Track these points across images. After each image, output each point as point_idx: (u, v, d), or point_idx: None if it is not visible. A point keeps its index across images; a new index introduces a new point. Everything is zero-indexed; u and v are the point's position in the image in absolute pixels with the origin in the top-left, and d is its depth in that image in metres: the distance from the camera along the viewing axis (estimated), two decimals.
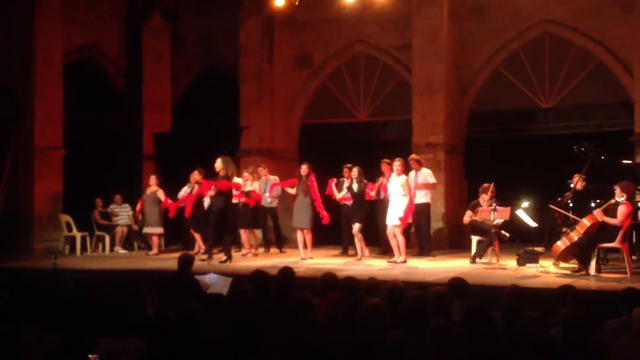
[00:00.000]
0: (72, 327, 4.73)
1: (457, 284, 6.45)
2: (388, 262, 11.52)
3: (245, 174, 13.28)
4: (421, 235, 12.67)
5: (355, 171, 12.24)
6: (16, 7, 14.26)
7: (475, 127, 15.23)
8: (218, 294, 8.05)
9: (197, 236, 13.32)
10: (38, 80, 14.25)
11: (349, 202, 12.53)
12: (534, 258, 10.64)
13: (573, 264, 10.35)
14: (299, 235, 12.44)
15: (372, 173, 12.74)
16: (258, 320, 5.13)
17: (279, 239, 13.98)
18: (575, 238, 9.94)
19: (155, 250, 13.58)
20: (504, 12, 14.84)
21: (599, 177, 11.63)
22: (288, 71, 16.68)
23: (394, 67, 15.91)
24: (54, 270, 10.25)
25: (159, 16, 17.04)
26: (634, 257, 10.77)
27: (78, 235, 13.96)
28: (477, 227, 11.71)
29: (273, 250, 13.90)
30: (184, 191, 13.55)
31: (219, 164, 12.05)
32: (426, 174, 12.47)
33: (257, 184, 13.30)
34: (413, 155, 12.72)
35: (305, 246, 12.40)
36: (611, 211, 9.90)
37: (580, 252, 9.96)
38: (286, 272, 7.12)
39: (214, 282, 8.55)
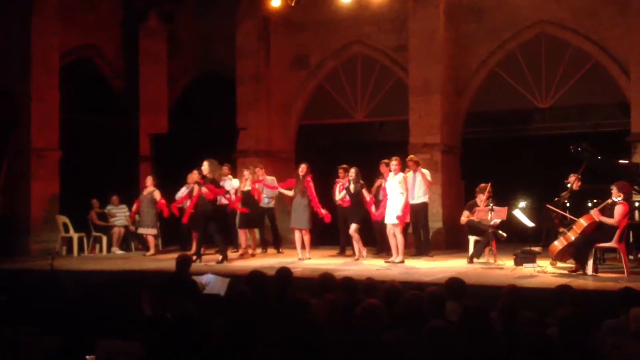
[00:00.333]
0: (70, 328, 4.73)
1: (455, 284, 6.45)
2: (386, 262, 11.53)
3: (245, 173, 13.30)
4: (419, 235, 12.69)
5: (352, 172, 12.22)
6: (13, 7, 14.23)
7: (472, 128, 15.25)
8: (215, 294, 8.05)
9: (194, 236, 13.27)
10: (35, 81, 14.23)
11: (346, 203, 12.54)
12: (531, 258, 10.65)
13: (570, 264, 10.36)
14: (297, 235, 12.44)
15: (369, 174, 12.75)
16: (256, 321, 5.13)
17: (276, 240, 13.98)
18: (573, 238, 9.95)
19: (152, 250, 13.59)
20: (500, 13, 14.85)
21: (596, 177, 11.65)
22: (285, 72, 16.68)
23: (390, 68, 15.92)
24: (51, 272, 10.24)
25: (156, 17, 17.03)
26: (631, 257, 10.76)
27: (75, 236, 13.95)
28: (474, 227, 11.73)
29: (270, 250, 13.90)
30: (182, 192, 13.54)
31: (205, 166, 12.10)
32: (424, 174, 12.48)
33: (258, 184, 13.29)
34: (411, 156, 12.73)
35: (302, 246, 12.40)
36: (608, 211, 9.91)
37: (578, 252, 9.97)
38: (284, 273, 7.12)
39: (211, 283, 8.56)
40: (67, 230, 14.01)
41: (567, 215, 10.81)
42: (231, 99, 16.23)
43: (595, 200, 10.55)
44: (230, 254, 13.49)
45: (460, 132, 15.27)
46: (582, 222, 9.96)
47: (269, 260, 12.09)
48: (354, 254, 12.34)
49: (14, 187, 14.21)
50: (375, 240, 12.93)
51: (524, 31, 14.74)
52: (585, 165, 11.40)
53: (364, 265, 11.54)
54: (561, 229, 10.87)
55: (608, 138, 13.48)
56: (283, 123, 16.70)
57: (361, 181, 12.26)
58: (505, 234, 11.52)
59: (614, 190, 9.86)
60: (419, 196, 12.39)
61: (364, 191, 12.22)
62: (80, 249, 14.01)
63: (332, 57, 16.50)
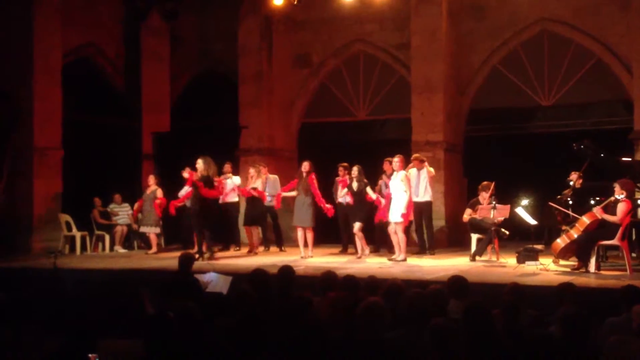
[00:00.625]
0: (72, 327, 4.73)
1: (457, 282, 6.45)
2: (389, 259, 11.52)
3: (251, 171, 13.30)
4: (421, 234, 12.68)
5: (355, 170, 12.20)
6: (14, 7, 14.24)
7: (474, 126, 15.25)
8: (218, 293, 8.05)
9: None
10: (37, 80, 14.23)
11: (344, 201, 12.54)
12: (533, 256, 10.63)
13: (573, 262, 10.35)
14: (299, 233, 12.44)
15: (371, 172, 12.74)
16: (258, 319, 5.13)
17: (279, 238, 13.98)
18: (575, 236, 9.95)
19: (154, 249, 13.60)
20: (503, 11, 14.85)
21: (599, 175, 11.64)
22: (287, 70, 16.68)
23: (393, 66, 15.92)
24: (54, 270, 10.25)
25: (158, 16, 17.02)
26: (633, 255, 10.77)
27: (78, 235, 13.96)
28: (476, 225, 11.72)
29: (273, 248, 13.90)
30: (185, 190, 13.52)
31: (200, 164, 12.14)
32: (430, 171, 12.46)
33: (259, 182, 13.30)
34: (416, 154, 12.70)
35: (305, 245, 12.39)
36: (611, 209, 9.91)
37: (580, 250, 9.97)
38: (286, 271, 7.12)
39: (214, 281, 8.55)
40: (69, 228, 14.02)
41: (570, 213, 10.80)
42: (233, 97, 16.24)
43: (597, 198, 10.55)
44: (233, 252, 13.57)
45: (463, 130, 15.27)
46: (585, 219, 9.95)
47: (271, 259, 12.09)
48: (356, 252, 12.34)
49: (17, 185, 14.23)
50: (374, 238, 12.92)
51: (526, 29, 14.73)
52: (588, 162, 11.38)
53: (367, 263, 11.54)
54: (564, 227, 10.86)
55: (610, 135, 13.48)
56: (285, 121, 16.70)
57: (365, 180, 12.24)
58: (507, 232, 11.52)
59: (617, 187, 9.85)
60: (424, 194, 12.36)
61: (368, 190, 12.19)
62: (83, 247, 14.02)
63: (334, 55, 16.50)
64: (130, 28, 17.01)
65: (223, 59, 17.08)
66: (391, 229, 11.59)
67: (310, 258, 12.16)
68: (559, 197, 11.41)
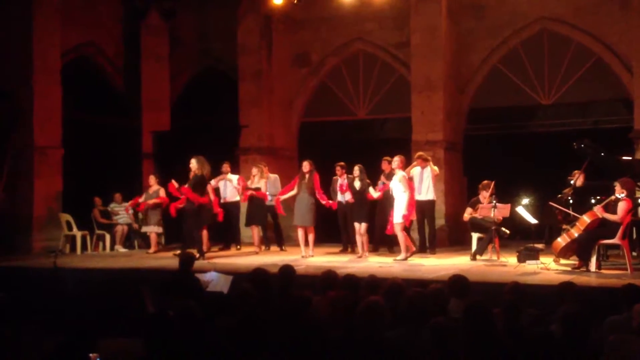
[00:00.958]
0: (73, 326, 4.72)
1: (458, 282, 6.44)
2: (394, 260, 11.50)
3: (254, 171, 13.30)
4: (423, 233, 12.65)
5: (356, 169, 12.17)
6: (14, 6, 14.24)
7: (474, 125, 15.25)
8: (219, 292, 8.05)
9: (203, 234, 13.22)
10: (36, 79, 14.23)
11: (344, 200, 12.54)
12: (534, 255, 10.62)
13: (573, 261, 10.35)
14: (300, 233, 12.43)
15: (371, 171, 12.73)
16: (259, 318, 5.13)
17: (279, 237, 13.98)
18: (576, 235, 9.96)
19: (154, 248, 13.58)
20: (503, 10, 14.85)
21: (599, 174, 11.63)
22: (287, 69, 16.68)
23: (392, 65, 15.91)
24: (54, 270, 10.25)
25: (157, 14, 17.02)
26: (634, 254, 10.77)
27: (78, 234, 13.96)
28: (477, 224, 11.72)
29: (273, 248, 13.89)
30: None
31: (193, 164, 12.16)
32: (434, 169, 12.44)
33: (263, 182, 13.30)
34: (420, 153, 12.67)
35: (306, 244, 12.38)
36: (611, 207, 9.91)
37: (581, 249, 9.97)
38: (287, 271, 7.12)
39: (214, 281, 8.56)
40: (70, 228, 14.02)
41: (570, 212, 10.80)
42: (233, 96, 16.23)
43: (598, 197, 10.55)
44: (235, 251, 13.58)
45: (463, 129, 15.26)
46: (585, 218, 9.95)
47: (272, 258, 12.08)
48: (356, 252, 12.33)
49: (17, 185, 14.24)
50: (373, 237, 12.93)
51: (526, 28, 14.73)
52: (588, 161, 11.38)
53: (367, 262, 11.53)
54: (564, 226, 10.86)
55: (611, 134, 13.47)
56: (285, 120, 16.70)
57: (367, 180, 12.22)
58: (508, 231, 11.51)
59: (617, 186, 9.85)
60: (427, 193, 12.33)
61: (370, 189, 12.18)
62: (84, 247, 14.02)
63: (334, 54, 16.49)
64: (129, 27, 17.03)
65: (223, 57, 17.08)
66: (396, 229, 11.57)
67: (310, 257, 12.15)
68: (559, 196, 11.40)
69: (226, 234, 14.05)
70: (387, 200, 12.10)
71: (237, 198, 13.79)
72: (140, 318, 6.01)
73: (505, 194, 12.15)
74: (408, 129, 14.71)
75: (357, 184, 12.13)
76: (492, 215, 11.28)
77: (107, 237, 14.29)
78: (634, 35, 13.32)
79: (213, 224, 13.12)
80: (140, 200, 14.07)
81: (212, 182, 13.32)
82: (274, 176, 13.85)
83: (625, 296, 6.03)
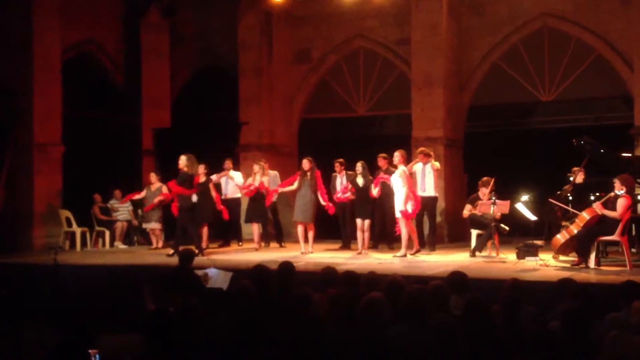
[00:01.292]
0: (73, 322, 4.73)
1: (457, 278, 6.46)
2: (394, 256, 11.50)
3: (255, 168, 13.30)
4: (422, 228, 12.63)
5: (359, 166, 12.15)
6: (14, 4, 14.24)
7: (474, 121, 15.24)
8: (218, 288, 8.06)
9: (203, 230, 13.23)
10: (37, 77, 14.25)
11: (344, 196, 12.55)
12: (533, 251, 10.65)
13: (572, 257, 10.35)
14: (300, 229, 12.43)
15: (371, 168, 12.73)
16: (258, 315, 5.13)
17: (279, 234, 13.99)
18: (575, 231, 9.96)
19: (156, 244, 13.58)
20: (503, 7, 14.83)
21: (599, 171, 11.64)
22: (287, 66, 16.67)
23: (393, 62, 15.90)
24: (54, 266, 10.25)
25: (157, 12, 16.99)
26: (633, 250, 10.78)
27: (78, 231, 13.97)
28: (476, 221, 11.72)
29: (273, 244, 13.90)
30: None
31: (183, 161, 12.20)
32: (434, 165, 12.45)
33: (266, 179, 13.32)
34: (422, 148, 12.65)
35: (305, 240, 12.38)
36: (611, 204, 9.91)
37: (580, 245, 9.98)
38: (286, 267, 7.13)
39: (214, 277, 8.57)
40: (70, 225, 14.04)
41: (570, 208, 10.80)
42: (233, 93, 16.23)
43: (597, 194, 10.55)
44: (236, 246, 13.59)
45: (463, 126, 15.25)
46: (585, 215, 9.96)
47: (271, 254, 12.09)
48: (355, 248, 12.33)
49: (17, 182, 14.25)
50: (374, 234, 12.94)
51: (526, 24, 14.71)
52: (588, 158, 11.38)
53: (367, 259, 11.54)
54: (564, 223, 10.86)
55: (611, 131, 13.46)
56: (285, 117, 16.70)
57: (370, 176, 12.22)
58: (507, 228, 11.50)
59: (617, 183, 9.85)
60: (429, 189, 12.31)
61: (372, 186, 12.19)
62: (84, 243, 14.03)
63: (335, 51, 16.48)
64: (130, 24, 17.02)
65: (223, 54, 17.07)
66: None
67: (310, 254, 12.15)
68: (559, 192, 11.40)
69: (226, 231, 14.05)
70: (386, 197, 12.12)
71: (239, 195, 13.80)
72: (141, 314, 6.02)
73: (504, 191, 12.14)
74: (408, 126, 14.71)
75: (360, 181, 12.12)
76: (491, 211, 11.29)
77: (107, 233, 14.30)
78: (635, 31, 13.31)
79: (214, 222, 13.16)
80: (140, 196, 14.08)
81: (214, 177, 13.36)
82: (273, 173, 13.85)
83: (624, 293, 6.05)
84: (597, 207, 9.89)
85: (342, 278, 6.63)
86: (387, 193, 12.08)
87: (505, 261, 10.86)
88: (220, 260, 11.20)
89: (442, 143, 14.36)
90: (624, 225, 9.85)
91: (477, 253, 11.49)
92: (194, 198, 12.93)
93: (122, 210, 14.56)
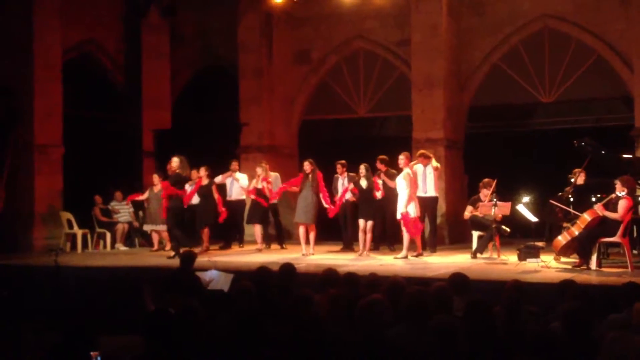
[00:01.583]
0: (73, 324, 4.72)
1: (458, 279, 6.45)
2: (395, 258, 11.49)
3: (258, 170, 13.29)
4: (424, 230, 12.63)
5: (362, 168, 12.14)
6: (15, 4, 14.24)
7: (475, 122, 15.24)
8: (219, 290, 8.05)
9: (204, 232, 13.21)
10: (37, 77, 14.24)
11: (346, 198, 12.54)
12: (534, 253, 10.61)
13: (574, 259, 10.35)
14: (301, 230, 12.42)
15: (372, 169, 12.72)
16: (259, 316, 5.12)
17: (280, 235, 13.98)
18: (576, 233, 9.95)
19: (167, 246, 13.50)
20: (503, 7, 14.84)
21: (600, 172, 11.63)
22: (287, 67, 16.67)
23: (393, 63, 15.90)
24: (55, 268, 10.25)
25: (157, 12, 17.00)
26: (634, 252, 10.76)
27: (79, 233, 13.96)
28: (477, 222, 11.71)
29: (274, 246, 13.89)
30: (187, 189, 13.49)
31: (176, 163, 12.18)
32: (435, 167, 12.44)
33: (273, 175, 13.29)
34: (422, 151, 12.65)
35: (307, 242, 12.37)
36: (612, 206, 9.90)
37: (581, 247, 9.96)
38: (287, 268, 7.12)
39: (215, 279, 8.56)
40: (71, 226, 14.02)
41: (571, 210, 10.79)
42: (233, 94, 16.22)
43: (599, 195, 10.53)
44: (237, 248, 13.58)
45: (463, 127, 15.25)
46: (586, 216, 9.94)
47: (272, 256, 12.08)
48: (356, 250, 12.32)
49: (18, 183, 14.23)
50: (375, 236, 12.93)
51: (527, 25, 14.72)
52: (589, 159, 11.38)
53: (368, 260, 11.53)
54: (565, 224, 10.85)
55: (611, 132, 13.48)
56: (285, 118, 16.69)
57: (373, 177, 12.21)
58: (508, 229, 11.49)
59: (618, 184, 9.84)
60: (430, 190, 12.28)
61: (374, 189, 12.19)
62: (84, 245, 14.02)
63: (335, 52, 16.48)
64: (130, 25, 17.02)
65: (223, 55, 17.06)
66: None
67: (311, 255, 12.14)
68: (560, 194, 11.39)
69: (227, 232, 14.03)
70: (388, 199, 12.11)
71: (243, 197, 13.79)
72: (141, 316, 6.02)
73: (506, 192, 12.13)
74: (409, 127, 14.70)
75: (363, 183, 12.12)
76: (492, 213, 11.27)
77: (108, 235, 14.29)
78: (635, 32, 13.31)
79: (214, 223, 13.16)
80: (142, 197, 14.06)
81: (219, 178, 13.35)
82: (274, 174, 13.83)
83: (625, 294, 6.03)
84: (598, 208, 9.88)
85: (343, 279, 6.62)
86: (388, 195, 12.08)
87: (506, 263, 10.85)
88: (221, 262, 11.18)
89: (443, 144, 14.36)
90: (625, 227, 9.83)
91: (478, 255, 11.48)
92: (196, 200, 12.95)
93: (123, 212, 14.56)
